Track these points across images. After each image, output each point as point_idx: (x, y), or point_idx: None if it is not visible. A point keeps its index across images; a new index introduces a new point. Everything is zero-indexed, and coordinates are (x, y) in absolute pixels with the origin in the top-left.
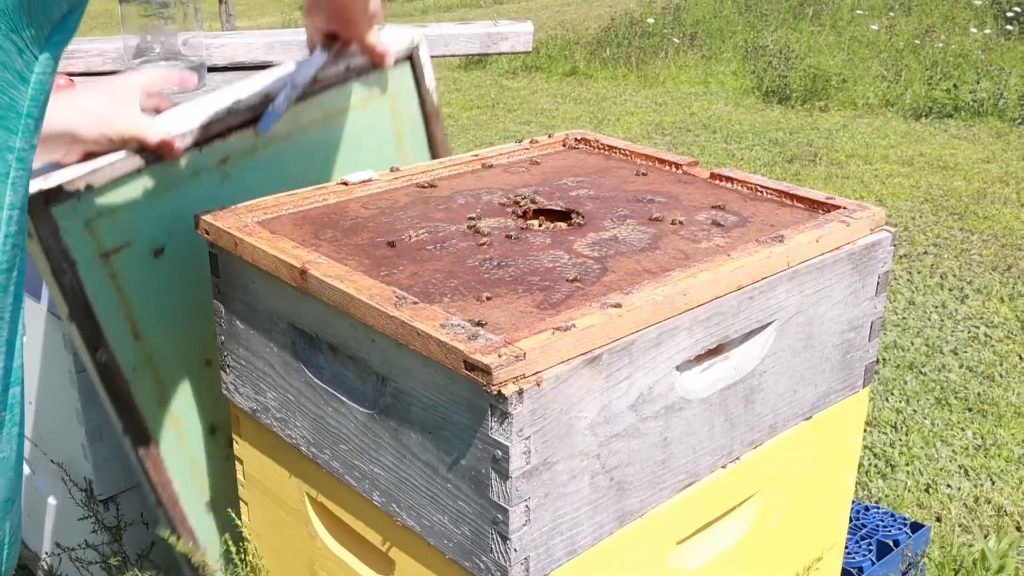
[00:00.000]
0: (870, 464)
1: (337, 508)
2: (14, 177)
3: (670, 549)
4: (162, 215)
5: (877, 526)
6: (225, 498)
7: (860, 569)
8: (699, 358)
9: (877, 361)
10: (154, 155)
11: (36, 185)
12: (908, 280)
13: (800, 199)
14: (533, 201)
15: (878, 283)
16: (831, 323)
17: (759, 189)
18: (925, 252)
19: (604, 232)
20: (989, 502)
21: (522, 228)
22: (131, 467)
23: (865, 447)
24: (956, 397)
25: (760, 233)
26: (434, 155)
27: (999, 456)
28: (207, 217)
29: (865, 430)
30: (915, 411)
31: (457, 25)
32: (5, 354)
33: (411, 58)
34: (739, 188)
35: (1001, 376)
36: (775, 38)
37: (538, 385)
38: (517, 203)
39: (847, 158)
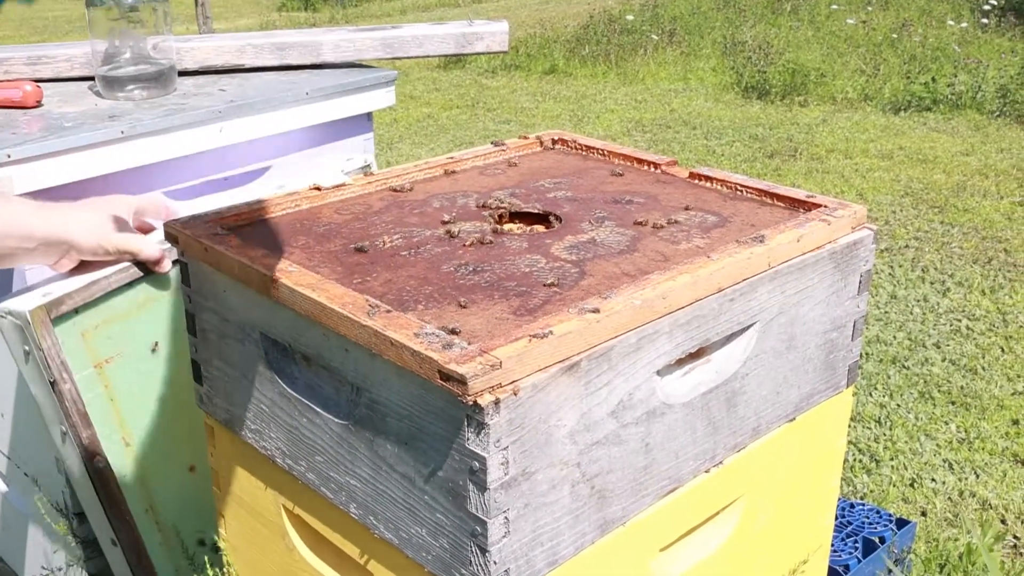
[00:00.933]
0: (854, 459)
1: (314, 520)
2: None
3: (653, 557)
4: (151, 325)
5: (863, 523)
6: None
7: (846, 567)
8: (680, 362)
9: (861, 356)
10: (146, 269)
11: (37, 300)
12: (890, 274)
13: (780, 198)
14: (509, 204)
15: (860, 282)
16: (813, 323)
17: (739, 188)
18: (906, 246)
19: (582, 235)
20: (974, 495)
21: (498, 232)
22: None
23: (849, 442)
24: (939, 391)
25: (740, 233)
26: None
27: (983, 449)
28: (175, 224)
29: (849, 425)
30: (899, 405)
31: (431, 26)
32: None
33: None
34: (719, 187)
35: (983, 369)
36: (753, 34)
37: (515, 394)
38: (493, 206)
39: (827, 153)
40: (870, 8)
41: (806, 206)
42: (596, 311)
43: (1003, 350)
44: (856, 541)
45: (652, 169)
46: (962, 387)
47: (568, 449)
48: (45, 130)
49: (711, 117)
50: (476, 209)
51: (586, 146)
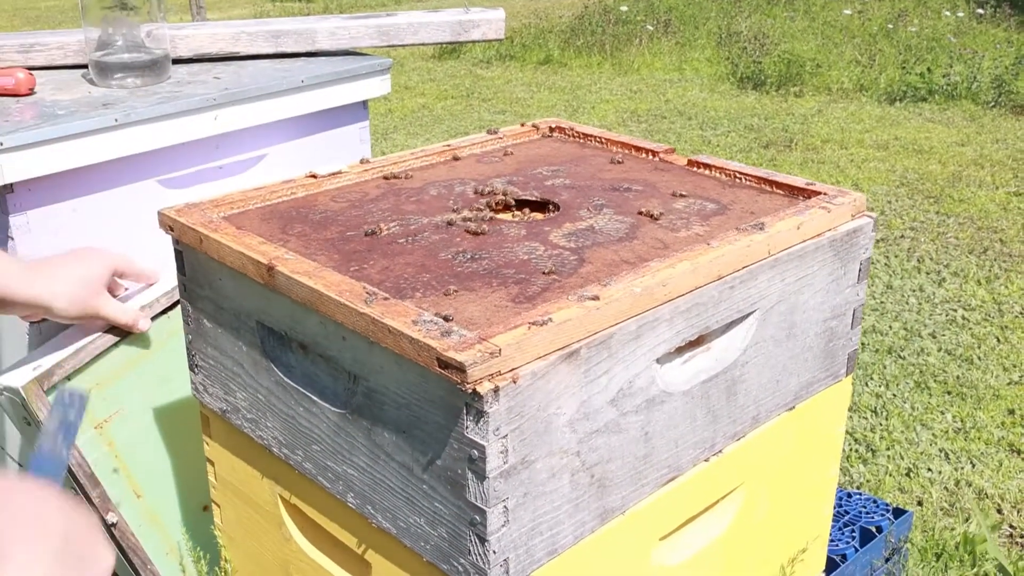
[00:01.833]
0: (851, 449)
1: (311, 510)
2: None
3: (653, 545)
4: (144, 378)
5: (860, 512)
6: None
7: (844, 556)
8: (680, 350)
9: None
10: (123, 332)
11: (29, 374)
12: (886, 264)
13: (780, 185)
14: (507, 192)
15: (860, 270)
16: (813, 311)
17: (738, 176)
18: (902, 236)
19: (580, 222)
20: (970, 485)
21: (496, 220)
22: None
23: (846, 432)
24: (935, 380)
25: (740, 221)
26: None
27: (979, 439)
28: (170, 212)
29: None
30: (895, 395)
31: (427, 13)
32: None
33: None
34: (717, 175)
35: (979, 359)
36: (749, 24)
37: (514, 382)
38: (491, 194)
39: (822, 143)
40: None
41: (806, 194)
42: (596, 298)
43: (999, 340)
44: (853, 530)
45: (650, 157)
46: (958, 377)
47: (568, 437)
48: (38, 118)
49: (706, 107)
50: (474, 196)
51: (584, 134)
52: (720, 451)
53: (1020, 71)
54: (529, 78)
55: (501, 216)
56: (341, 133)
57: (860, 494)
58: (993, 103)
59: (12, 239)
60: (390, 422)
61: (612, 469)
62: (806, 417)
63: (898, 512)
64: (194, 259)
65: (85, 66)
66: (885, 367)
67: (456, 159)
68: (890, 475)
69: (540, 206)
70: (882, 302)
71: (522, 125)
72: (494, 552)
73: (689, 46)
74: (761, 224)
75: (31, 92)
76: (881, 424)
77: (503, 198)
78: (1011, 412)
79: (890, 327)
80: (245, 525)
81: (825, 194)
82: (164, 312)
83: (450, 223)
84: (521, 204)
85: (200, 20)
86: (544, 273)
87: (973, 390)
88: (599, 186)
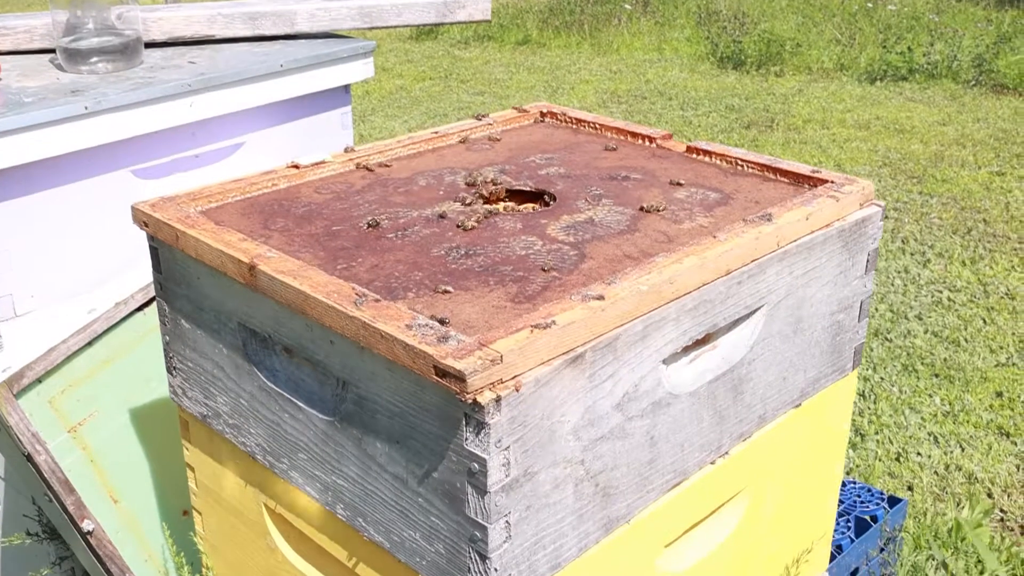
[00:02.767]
0: None
1: (298, 520)
2: None
3: (658, 553)
4: (118, 379)
5: (855, 502)
6: None
7: (839, 547)
8: (686, 349)
9: None
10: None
11: None
12: None
13: (784, 173)
14: (499, 181)
15: (868, 260)
16: (821, 305)
17: (739, 163)
18: (886, 216)
19: (579, 214)
20: (960, 469)
21: (490, 212)
22: None
23: None
24: (923, 363)
25: (745, 211)
26: None
27: (967, 422)
28: (144, 207)
29: None
30: (882, 379)
31: None
32: None
33: None
34: (718, 162)
35: (966, 341)
36: (728, 3)
37: (517, 390)
38: (483, 184)
39: (804, 123)
40: None
41: (811, 182)
42: (600, 298)
43: (985, 321)
44: (848, 520)
45: (647, 143)
46: (945, 359)
47: (572, 446)
48: (4, 106)
49: (687, 88)
50: (464, 187)
51: (577, 119)
52: (726, 453)
53: (1000, 50)
54: (508, 59)
55: (495, 208)
56: (322, 119)
57: (854, 483)
58: (974, 82)
59: None
60: (382, 431)
61: (617, 476)
62: (812, 413)
63: (893, 500)
64: (170, 257)
65: (53, 51)
66: (872, 350)
67: (444, 146)
68: (880, 460)
69: (535, 197)
70: None
71: (515, 109)
72: (496, 569)
73: (668, 26)
74: (768, 215)
75: None
76: (869, 408)
77: (495, 188)
78: (999, 395)
79: (876, 309)
80: (228, 533)
81: (832, 182)
82: (140, 309)
83: (442, 216)
84: (515, 195)
85: (174, 2)
86: (544, 270)
87: (961, 372)
88: (596, 175)
